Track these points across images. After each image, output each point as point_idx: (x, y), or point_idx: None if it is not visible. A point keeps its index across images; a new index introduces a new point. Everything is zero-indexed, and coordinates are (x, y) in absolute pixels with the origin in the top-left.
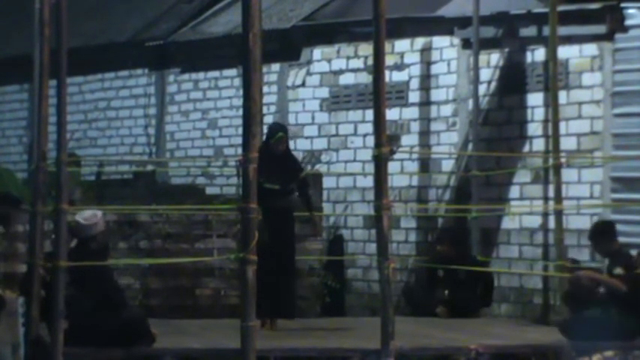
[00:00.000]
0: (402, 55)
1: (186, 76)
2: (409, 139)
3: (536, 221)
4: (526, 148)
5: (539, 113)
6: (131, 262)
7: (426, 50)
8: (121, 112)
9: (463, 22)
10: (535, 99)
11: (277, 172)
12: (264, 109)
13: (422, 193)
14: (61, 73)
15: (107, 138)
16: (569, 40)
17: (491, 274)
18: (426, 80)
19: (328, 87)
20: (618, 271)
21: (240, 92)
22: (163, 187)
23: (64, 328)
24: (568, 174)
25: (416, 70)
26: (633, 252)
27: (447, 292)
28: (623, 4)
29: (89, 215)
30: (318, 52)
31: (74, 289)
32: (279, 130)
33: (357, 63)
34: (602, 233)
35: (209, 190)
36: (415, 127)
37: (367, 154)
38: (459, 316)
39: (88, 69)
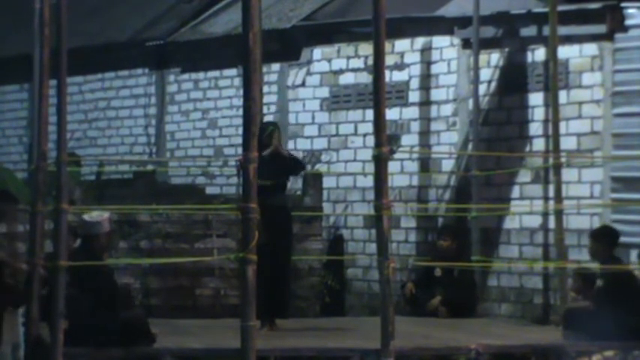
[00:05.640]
0: (402, 54)
1: (186, 76)
2: (409, 139)
3: (536, 221)
4: (526, 148)
5: (539, 113)
6: (131, 262)
7: (426, 50)
8: (121, 111)
9: (463, 21)
10: (535, 99)
11: (269, 168)
12: (264, 109)
13: (422, 192)
14: (61, 73)
15: (107, 138)
16: (570, 39)
17: (472, 277)
18: (426, 80)
19: (328, 87)
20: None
21: (241, 92)
22: (163, 186)
23: (63, 328)
24: (568, 174)
25: (416, 70)
26: (634, 252)
27: (443, 291)
28: (623, 4)
29: (95, 214)
30: (318, 52)
31: (73, 288)
32: (270, 125)
33: (357, 63)
34: (605, 237)
35: (209, 190)
36: (415, 126)
37: (367, 154)
38: (456, 315)
39: (88, 69)
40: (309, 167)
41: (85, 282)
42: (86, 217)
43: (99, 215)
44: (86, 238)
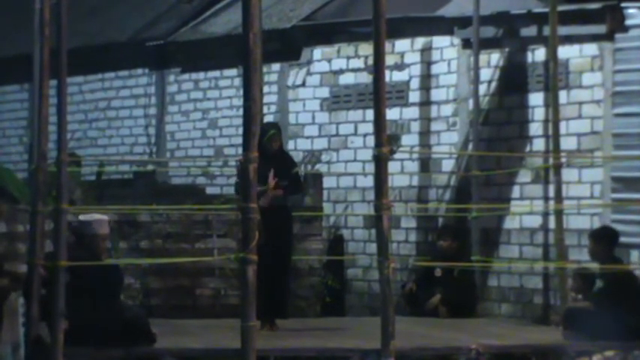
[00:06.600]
0: (402, 54)
1: (186, 76)
2: (409, 139)
3: (536, 221)
4: (526, 148)
5: (539, 113)
6: (131, 262)
7: (426, 50)
8: (121, 112)
9: (463, 21)
10: (535, 99)
11: (270, 171)
12: (265, 109)
13: (422, 193)
14: (61, 73)
15: (107, 138)
16: (570, 40)
17: (473, 277)
18: (427, 80)
19: (328, 87)
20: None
21: (241, 92)
22: (163, 187)
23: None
24: (568, 174)
25: (416, 70)
26: (634, 253)
27: (443, 291)
28: (623, 4)
29: (90, 215)
30: (318, 52)
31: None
32: (271, 128)
33: (358, 63)
34: (604, 237)
35: (209, 190)
36: (415, 126)
37: (367, 154)
38: (456, 315)
39: (88, 69)
40: (309, 167)
41: (84, 276)
42: (81, 217)
43: (91, 216)
44: (81, 237)
